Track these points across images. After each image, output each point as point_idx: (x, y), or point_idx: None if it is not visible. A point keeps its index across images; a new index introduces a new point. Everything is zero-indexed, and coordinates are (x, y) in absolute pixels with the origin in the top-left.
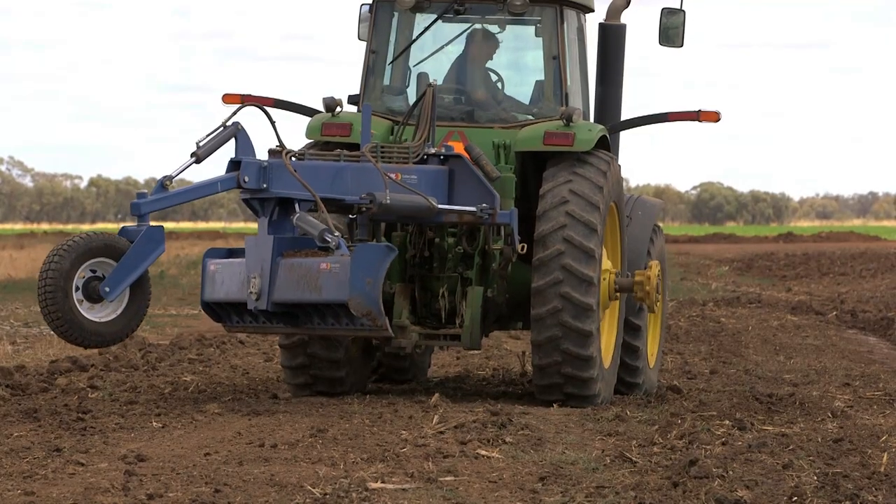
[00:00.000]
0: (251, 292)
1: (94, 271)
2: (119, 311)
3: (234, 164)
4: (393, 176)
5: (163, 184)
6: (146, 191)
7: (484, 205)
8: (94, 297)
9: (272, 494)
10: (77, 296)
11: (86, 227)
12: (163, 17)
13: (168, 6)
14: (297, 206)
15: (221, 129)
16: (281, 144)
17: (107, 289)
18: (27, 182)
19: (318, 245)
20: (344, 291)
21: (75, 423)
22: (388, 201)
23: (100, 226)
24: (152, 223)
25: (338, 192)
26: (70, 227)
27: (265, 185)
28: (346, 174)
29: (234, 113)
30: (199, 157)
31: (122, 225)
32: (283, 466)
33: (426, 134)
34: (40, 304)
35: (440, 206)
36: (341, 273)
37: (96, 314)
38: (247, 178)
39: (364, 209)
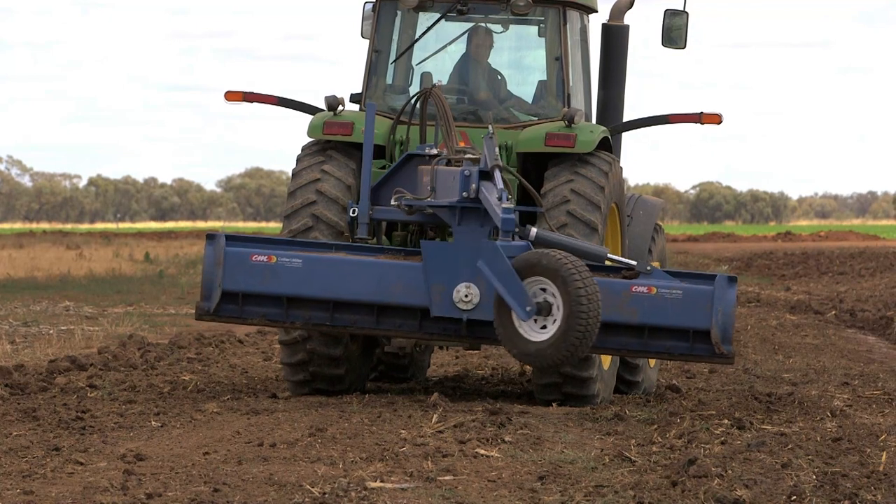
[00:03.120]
0: (462, 300)
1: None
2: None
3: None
4: None
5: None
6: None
7: None
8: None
9: (271, 494)
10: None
11: (84, 226)
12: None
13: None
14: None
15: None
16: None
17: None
18: (26, 181)
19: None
20: (685, 317)
21: (74, 423)
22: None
23: (99, 226)
24: None
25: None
26: (69, 226)
27: (476, 195)
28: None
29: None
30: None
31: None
32: (282, 466)
33: (454, 136)
34: (583, 335)
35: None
36: (685, 300)
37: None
38: (474, 186)
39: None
